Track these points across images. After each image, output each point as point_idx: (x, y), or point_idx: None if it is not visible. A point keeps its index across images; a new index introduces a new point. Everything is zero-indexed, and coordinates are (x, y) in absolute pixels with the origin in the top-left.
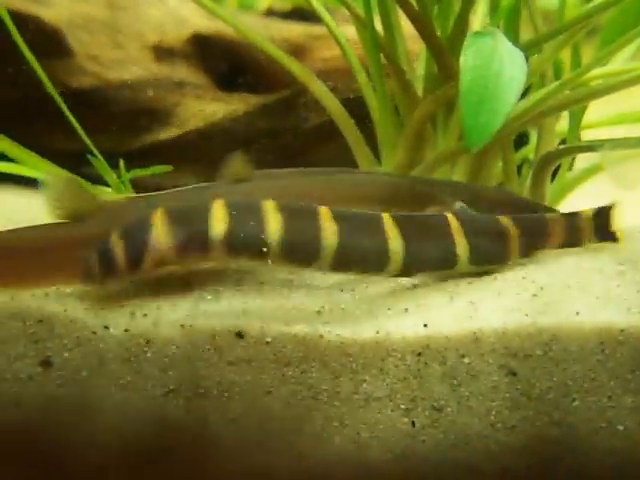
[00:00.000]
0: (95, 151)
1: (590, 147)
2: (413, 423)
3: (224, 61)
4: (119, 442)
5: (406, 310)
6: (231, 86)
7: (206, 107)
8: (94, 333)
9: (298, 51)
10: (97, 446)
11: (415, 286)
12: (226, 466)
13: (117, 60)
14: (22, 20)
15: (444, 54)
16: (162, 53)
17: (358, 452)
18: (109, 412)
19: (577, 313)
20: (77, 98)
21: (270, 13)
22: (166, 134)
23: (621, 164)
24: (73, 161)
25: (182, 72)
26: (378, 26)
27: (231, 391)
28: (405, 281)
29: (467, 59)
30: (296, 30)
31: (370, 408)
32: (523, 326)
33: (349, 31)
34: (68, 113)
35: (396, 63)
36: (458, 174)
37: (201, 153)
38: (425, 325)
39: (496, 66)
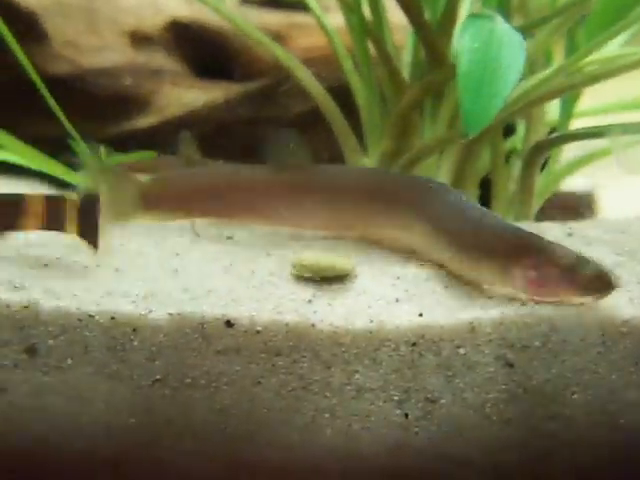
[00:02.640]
0: (77, 137)
1: (595, 133)
2: (406, 415)
3: (202, 48)
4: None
5: (397, 300)
6: (209, 73)
7: (184, 95)
8: (79, 320)
9: (276, 39)
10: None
11: (410, 275)
12: (213, 458)
13: (93, 46)
14: None
15: (433, 39)
16: (139, 40)
17: (349, 444)
18: (94, 401)
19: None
20: (53, 84)
21: (246, 1)
22: (143, 122)
23: (629, 149)
24: (51, 147)
25: (160, 59)
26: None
27: (219, 381)
28: (401, 270)
29: (464, 42)
30: (275, 18)
31: (362, 399)
32: (521, 316)
33: (331, 19)
34: (50, 98)
35: (384, 49)
36: (445, 163)
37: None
38: (420, 314)
39: (494, 49)
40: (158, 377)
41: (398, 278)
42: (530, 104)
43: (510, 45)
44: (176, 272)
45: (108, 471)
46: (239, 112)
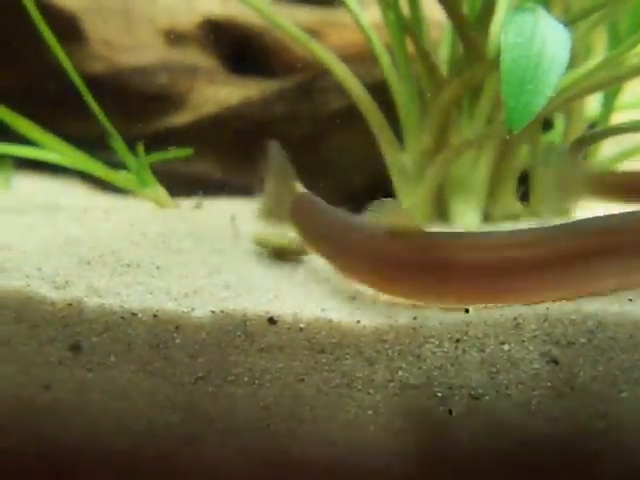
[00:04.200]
0: (117, 136)
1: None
2: (450, 411)
3: (235, 46)
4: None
5: None
6: (241, 71)
7: (220, 92)
8: (123, 318)
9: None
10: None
11: None
12: (256, 454)
13: (129, 45)
14: (39, 6)
15: (471, 34)
16: (174, 38)
17: (392, 441)
18: (137, 398)
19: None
20: (91, 83)
21: None
22: (180, 119)
23: None
24: (87, 146)
25: (194, 57)
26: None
27: (262, 378)
28: None
29: (508, 37)
30: (307, 15)
31: (406, 396)
32: (566, 312)
33: (365, 15)
34: (91, 99)
35: (422, 45)
36: (485, 158)
37: (215, 138)
38: (467, 310)
39: (538, 44)
40: (201, 375)
41: None
42: (572, 98)
43: (554, 40)
44: (218, 269)
45: (150, 468)
46: (275, 109)
